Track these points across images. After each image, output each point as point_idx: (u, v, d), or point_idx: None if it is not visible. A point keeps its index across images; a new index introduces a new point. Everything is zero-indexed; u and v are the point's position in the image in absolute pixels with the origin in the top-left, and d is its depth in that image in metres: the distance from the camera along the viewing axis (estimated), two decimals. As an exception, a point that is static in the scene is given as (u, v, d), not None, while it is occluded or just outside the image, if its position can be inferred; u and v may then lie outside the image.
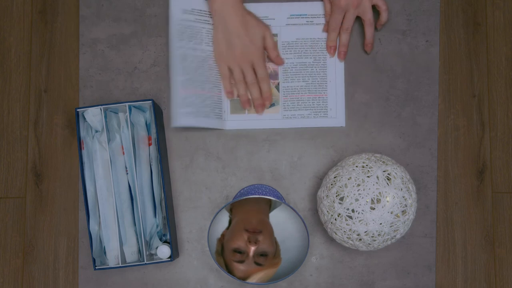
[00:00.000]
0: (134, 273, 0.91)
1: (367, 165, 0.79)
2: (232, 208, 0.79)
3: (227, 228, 0.80)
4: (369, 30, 0.89)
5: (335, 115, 0.91)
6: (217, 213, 0.79)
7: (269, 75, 0.91)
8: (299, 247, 0.80)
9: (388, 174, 0.78)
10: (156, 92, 0.93)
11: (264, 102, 0.90)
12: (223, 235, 0.80)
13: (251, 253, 0.80)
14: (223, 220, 0.80)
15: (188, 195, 0.92)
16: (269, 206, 0.80)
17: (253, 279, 0.81)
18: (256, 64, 0.88)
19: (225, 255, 0.80)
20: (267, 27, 0.89)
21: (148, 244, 0.87)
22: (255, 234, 0.80)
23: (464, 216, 0.92)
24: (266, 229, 0.80)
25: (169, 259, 0.85)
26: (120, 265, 0.84)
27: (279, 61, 0.91)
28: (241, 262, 0.80)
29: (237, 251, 0.80)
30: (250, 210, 0.80)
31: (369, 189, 0.76)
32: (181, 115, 0.86)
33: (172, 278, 0.91)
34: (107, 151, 0.85)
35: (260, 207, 0.80)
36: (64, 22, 0.95)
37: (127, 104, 0.85)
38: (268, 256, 0.80)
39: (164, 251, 0.84)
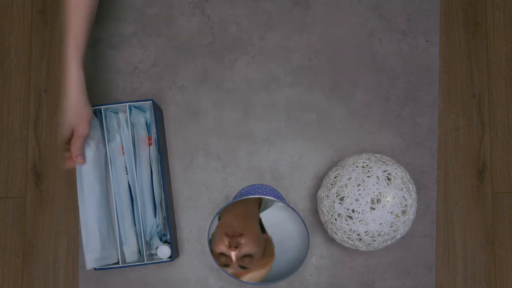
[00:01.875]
0: (134, 273, 0.91)
1: (367, 165, 0.79)
2: (220, 211, 0.79)
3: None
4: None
5: None
6: (217, 213, 0.79)
7: None
8: (299, 247, 0.80)
9: (388, 174, 0.78)
10: (156, 92, 0.93)
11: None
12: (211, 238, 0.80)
13: (233, 258, 0.79)
14: (215, 223, 0.80)
15: (188, 195, 0.92)
16: (259, 206, 0.80)
17: (243, 279, 0.80)
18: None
19: (215, 257, 0.80)
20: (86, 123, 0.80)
21: (148, 244, 0.87)
22: (235, 238, 0.79)
23: (464, 216, 0.92)
24: (249, 231, 0.79)
25: (169, 259, 0.85)
26: (120, 265, 0.84)
27: (79, 161, 0.82)
28: (226, 266, 0.80)
29: (222, 254, 0.79)
30: (233, 213, 0.79)
31: (369, 189, 0.76)
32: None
33: (172, 278, 0.91)
34: (107, 151, 0.85)
35: (247, 208, 0.79)
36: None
37: (127, 104, 0.85)
38: (254, 257, 0.79)
39: (164, 251, 0.84)
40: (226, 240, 0.79)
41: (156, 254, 0.87)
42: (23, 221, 0.92)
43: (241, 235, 0.79)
